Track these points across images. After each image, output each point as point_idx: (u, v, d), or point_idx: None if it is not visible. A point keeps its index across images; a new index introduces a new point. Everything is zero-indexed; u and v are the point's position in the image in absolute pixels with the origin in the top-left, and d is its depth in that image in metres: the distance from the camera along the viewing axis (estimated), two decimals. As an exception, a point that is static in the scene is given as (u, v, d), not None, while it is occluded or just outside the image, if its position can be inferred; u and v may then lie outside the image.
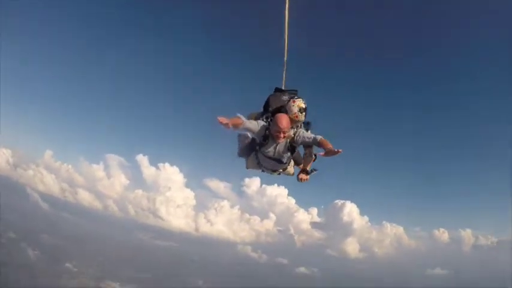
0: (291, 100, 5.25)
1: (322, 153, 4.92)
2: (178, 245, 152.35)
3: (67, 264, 75.20)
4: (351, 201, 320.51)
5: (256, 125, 5.19)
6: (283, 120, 4.96)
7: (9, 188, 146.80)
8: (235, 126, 4.84)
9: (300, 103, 5.17)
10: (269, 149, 5.31)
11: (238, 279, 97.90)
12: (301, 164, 5.72)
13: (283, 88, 5.82)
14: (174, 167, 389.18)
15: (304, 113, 5.19)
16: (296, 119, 5.16)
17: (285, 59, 5.94)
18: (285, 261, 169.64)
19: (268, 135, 5.17)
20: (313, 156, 5.62)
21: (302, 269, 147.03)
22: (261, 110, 5.61)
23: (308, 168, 5.69)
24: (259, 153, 5.45)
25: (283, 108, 5.30)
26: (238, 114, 5.03)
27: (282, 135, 5.02)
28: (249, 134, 5.46)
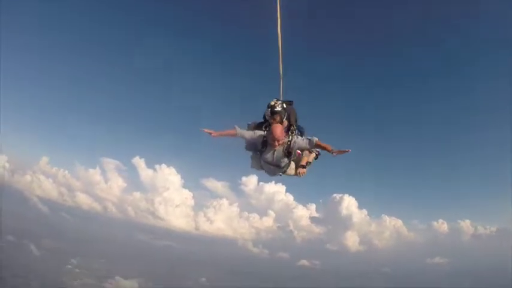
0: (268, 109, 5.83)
1: (334, 154, 5.45)
2: (178, 244, 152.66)
3: (69, 266, 75.11)
4: (349, 195, 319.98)
5: (253, 134, 5.78)
6: (277, 130, 5.47)
7: (7, 193, 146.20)
8: (229, 135, 5.69)
9: (272, 102, 5.80)
10: (268, 155, 5.80)
11: (241, 275, 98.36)
12: (300, 162, 6.22)
13: (280, 99, 6.17)
14: (171, 168, 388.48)
15: (274, 108, 5.72)
16: (274, 121, 5.70)
17: (281, 71, 6.21)
18: (286, 255, 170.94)
19: (267, 143, 5.68)
20: (315, 153, 6.25)
21: (304, 262, 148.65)
22: (262, 119, 6.18)
23: (304, 163, 6.17)
24: (261, 158, 5.93)
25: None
26: (235, 126, 5.76)
27: (276, 143, 5.54)
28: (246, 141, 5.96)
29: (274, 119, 5.74)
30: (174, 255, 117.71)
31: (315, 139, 5.57)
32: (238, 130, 5.73)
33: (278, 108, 5.75)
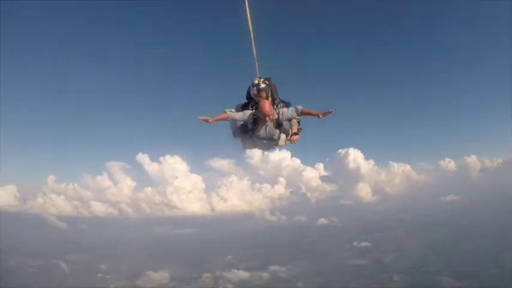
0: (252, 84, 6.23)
1: (320, 116, 5.97)
2: (198, 229, 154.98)
3: (100, 274, 77.62)
4: (354, 148, 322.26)
5: (243, 115, 6.17)
6: (266, 105, 5.91)
7: (24, 221, 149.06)
8: (222, 120, 5.99)
9: (255, 80, 6.20)
10: (261, 132, 6.27)
11: (264, 246, 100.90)
12: (288, 135, 6.68)
13: (258, 77, 6.50)
14: (175, 156, 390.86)
15: (259, 86, 6.13)
16: (253, 93, 6.17)
17: (254, 51, 6.42)
18: (303, 218, 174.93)
19: (257, 120, 6.11)
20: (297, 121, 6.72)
21: (322, 220, 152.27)
22: (245, 100, 6.56)
23: (295, 130, 6.69)
24: (254, 136, 6.35)
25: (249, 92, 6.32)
26: (225, 110, 6.11)
27: (267, 118, 6.00)
28: (238, 122, 6.39)
29: (261, 96, 6.14)
30: (196, 240, 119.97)
31: (300, 107, 6.21)
32: (229, 113, 6.10)
33: (262, 86, 6.16)
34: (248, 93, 6.46)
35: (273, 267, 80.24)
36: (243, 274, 77.09)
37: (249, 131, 6.32)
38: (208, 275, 76.82)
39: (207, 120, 5.74)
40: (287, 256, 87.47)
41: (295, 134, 6.68)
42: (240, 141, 6.72)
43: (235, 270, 78.64)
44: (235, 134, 6.65)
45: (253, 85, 6.22)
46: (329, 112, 5.93)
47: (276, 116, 6.17)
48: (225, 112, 6.08)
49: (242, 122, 6.31)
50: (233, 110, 6.32)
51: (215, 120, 5.89)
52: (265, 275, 77.16)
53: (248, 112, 6.18)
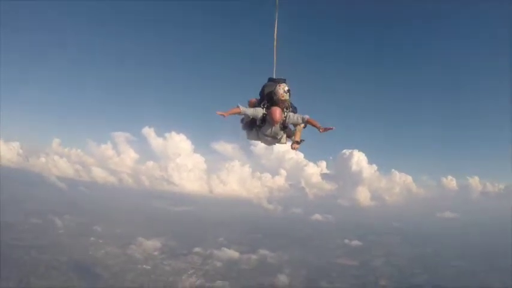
0: (278, 85, 6.63)
1: (321, 130, 6.49)
2: (195, 208, 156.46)
3: (92, 238, 79.18)
4: (359, 150, 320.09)
5: (255, 111, 6.65)
6: (277, 113, 6.46)
7: (25, 178, 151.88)
8: (235, 114, 6.54)
9: (284, 86, 6.56)
10: (267, 130, 6.83)
11: (257, 232, 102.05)
12: (292, 136, 7.16)
13: (274, 77, 7.17)
14: (181, 134, 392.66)
15: (288, 93, 6.55)
16: (282, 98, 6.52)
17: (275, 53, 7.17)
18: (299, 211, 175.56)
19: (266, 119, 6.65)
20: (303, 125, 7.04)
21: (317, 216, 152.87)
22: (258, 96, 7.10)
23: (298, 139, 7.15)
24: (259, 132, 6.93)
25: (273, 93, 6.65)
26: (238, 104, 6.59)
27: (275, 124, 6.62)
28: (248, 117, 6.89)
29: (283, 103, 6.59)
30: (192, 218, 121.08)
31: (307, 116, 6.68)
32: (242, 108, 6.56)
33: (286, 97, 6.57)
34: (262, 90, 7.00)
35: (262, 251, 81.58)
36: (233, 254, 78.52)
37: (256, 127, 6.88)
38: (198, 249, 78.18)
39: (223, 115, 6.31)
40: (278, 244, 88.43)
41: (297, 142, 7.15)
42: (245, 133, 7.33)
43: (226, 249, 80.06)
44: (244, 127, 7.24)
45: (279, 93, 6.55)
46: (330, 128, 6.50)
47: (283, 119, 6.66)
48: (238, 107, 6.54)
49: (253, 117, 6.78)
50: (246, 106, 6.86)
51: (230, 114, 6.43)
52: (254, 257, 78.50)
53: (260, 111, 6.66)
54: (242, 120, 7.25)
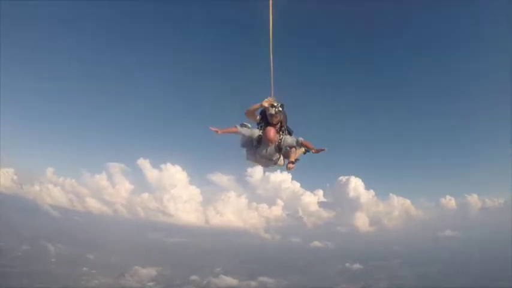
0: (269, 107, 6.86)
1: (313, 151, 6.91)
2: (191, 239, 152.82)
3: (85, 268, 76.24)
4: (355, 176, 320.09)
5: (251, 132, 6.91)
6: (271, 133, 6.68)
7: (19, 204, 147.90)
8: (231, 133, 6.77)
9: (272, 103, 6.71)
10: (262, 151, 6.98)
11: (255, 261, 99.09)
12: (289, 157, 7.30)
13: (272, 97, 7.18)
14: (176, 166, 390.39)
15: (276, 108, 6.69)
16: (270, 111, 6.67)
17: (272, 74, 7.21)
18: (298, 239, 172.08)
19: (261, 140, 6.87)
20: (304, 150, 7.40)
21: (316, 243, 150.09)
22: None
23: (293, 159, 7.26)
24: (256, 152, 7.08)
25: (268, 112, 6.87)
26: (236, 125, 6.87)
27: (270, 143, 6.81)
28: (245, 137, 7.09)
29: (275, 118, 6.78)
30: (187, 248, 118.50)
31: (300, 139, 6.92)
32: (239, 128, 6.85)
33: (273, 112, 6.72)
34: (263, 110, 7.06)
35: (262, 278, 79.10)
36: (231, 281, 75.96)
37: (253, 147, 7.06)
38: (195, 277, 75.70)
39: (216, 132, 6.51)
40: (278, 271, 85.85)
41: (292, 162, 7.24)
42: (245, 152, 7.36)
43: (224, 276, 77.52)
44: (243, 145, 7.30)
45: (273, 110, 6.75)
46: (322, 149, 6.90)
47: (278, 141, 6.90)
48: (236, 127, 6.84)
49: (249, 138, 7.01)
50: (248, 125, 7.11)
51: (224, 132, 6.67)
52: (253, 284, 75.99)
53: (256, 131, 6.92)
54: (241, 139, 7.33)
